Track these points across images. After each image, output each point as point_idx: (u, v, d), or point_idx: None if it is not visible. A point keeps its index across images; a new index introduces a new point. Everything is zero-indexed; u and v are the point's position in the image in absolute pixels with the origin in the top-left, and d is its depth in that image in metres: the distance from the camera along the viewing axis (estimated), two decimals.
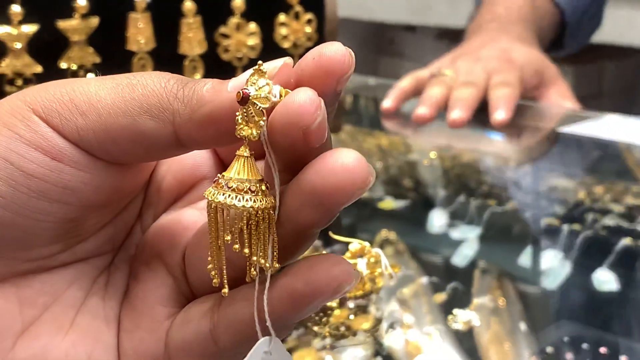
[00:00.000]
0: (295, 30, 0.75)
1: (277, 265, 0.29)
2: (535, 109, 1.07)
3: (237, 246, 0.29)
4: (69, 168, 0.30)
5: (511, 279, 0.64)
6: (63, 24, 0.66)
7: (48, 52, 0.65)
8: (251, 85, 0.28)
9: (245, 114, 0.28)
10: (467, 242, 0.69)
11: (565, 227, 0.71)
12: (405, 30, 2.23)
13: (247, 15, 0.72)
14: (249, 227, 0.29)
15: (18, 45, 0.65)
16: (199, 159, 0.35)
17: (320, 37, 0.76)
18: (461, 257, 0.67)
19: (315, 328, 0.54)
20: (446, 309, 0.58)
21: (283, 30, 0.73)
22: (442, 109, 1.00)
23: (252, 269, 0.30)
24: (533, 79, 1.06)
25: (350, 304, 0.56)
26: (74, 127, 0.30)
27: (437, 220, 0.75)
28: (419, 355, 0.54)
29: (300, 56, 0.76)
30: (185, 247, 0.33)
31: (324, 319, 0.55)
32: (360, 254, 0.57)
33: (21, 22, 0.65)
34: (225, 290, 0.30)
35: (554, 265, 0.65)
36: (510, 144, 1.01)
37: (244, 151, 0.29)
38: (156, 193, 0.34)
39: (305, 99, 0.28)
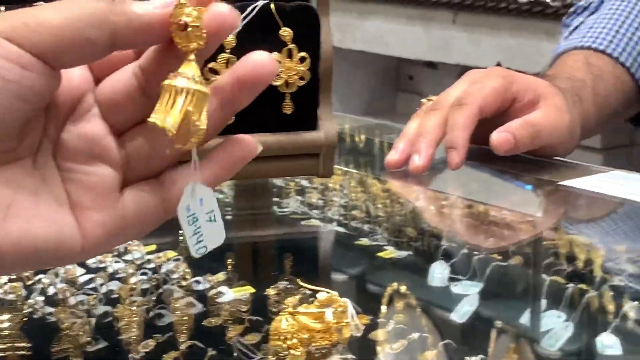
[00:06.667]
0: (288, 68, 0.73)
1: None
2: (559, 165, 1.01)
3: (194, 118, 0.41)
4: (33, 74, 0.39)
5: (515, 338, 0.61)
6: None
7: None
8: (186, 17, 0.40)
9: (183, 35, 0.41)
10: (468, 298, 0.67)
11: (570, 287, 0.68)
12: (425, 66, 2.20)
13: (237, 53, 0.70)
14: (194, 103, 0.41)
15: None
16: (82, 77, 0.44)
17: (314, 75, 0.74)
18: (461, 314, 0.65)
19: None
20: None
21: None
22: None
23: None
24: (528, 94, 0.97)
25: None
26: (30, 42, 0.39)
27: (438, 273, 0.72)
28: None
29: (292, 95, 0.74)
30: (116, 147, 0.44)
31: None
32: (328, 303, 0.57)
33: None
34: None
35: (555, 326, 0.62)
36: (532, 197, 0.98)
37: (193, 58, 0.42)
38: (54, 107, 0.43)
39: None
